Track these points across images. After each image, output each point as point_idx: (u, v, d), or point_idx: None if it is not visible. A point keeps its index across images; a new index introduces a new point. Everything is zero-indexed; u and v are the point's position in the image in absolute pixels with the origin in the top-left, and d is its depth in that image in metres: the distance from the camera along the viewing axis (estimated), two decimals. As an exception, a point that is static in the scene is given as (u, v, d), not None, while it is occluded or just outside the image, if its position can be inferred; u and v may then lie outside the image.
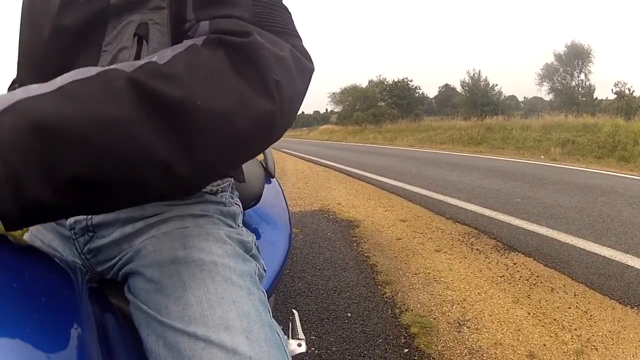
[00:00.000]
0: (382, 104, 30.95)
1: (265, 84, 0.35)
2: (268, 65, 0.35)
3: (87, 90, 0.30)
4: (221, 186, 0.54)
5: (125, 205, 0.34)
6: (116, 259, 0.47)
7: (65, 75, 0.31)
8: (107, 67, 0.32)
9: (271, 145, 1.07)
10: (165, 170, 0.31)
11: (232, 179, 0.57)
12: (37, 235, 0.53)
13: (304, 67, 0.40)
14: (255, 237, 0.55)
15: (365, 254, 2.50)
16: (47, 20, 0.44)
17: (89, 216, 0.47)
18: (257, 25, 0.37)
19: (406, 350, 1.48)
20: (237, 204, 0.57)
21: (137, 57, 0.43)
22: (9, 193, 0.27)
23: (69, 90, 0.30)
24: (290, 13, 0.42)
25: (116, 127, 0.29)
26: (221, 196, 0.54)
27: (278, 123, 0.36)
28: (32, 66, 0.49)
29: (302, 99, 0.41)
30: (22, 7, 0.50)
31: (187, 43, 0.35)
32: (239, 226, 0.54)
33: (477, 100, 25.81)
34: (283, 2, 0.43)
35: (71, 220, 0.48)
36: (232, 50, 0.35)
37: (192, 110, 0.31)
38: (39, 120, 0.28)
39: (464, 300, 1.86)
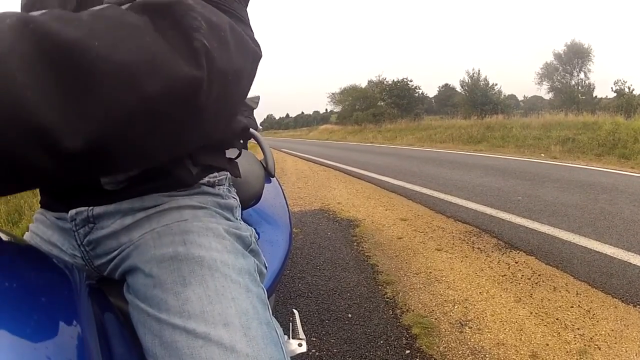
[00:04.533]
0: (382, 103, 30.92)
1: (190, 47, 0.29)
2: (196, 27, 0.30)
3: None
4: (217, 178, 0.54)
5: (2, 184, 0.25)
6: (115, 252, 0.47)
7: None
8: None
9: (270, 145, 1.06)
10: (45, 136, 0.23)
11: (228, 173, 0.57)
12: (36, 232, 0.53)
13: (246, 47, 0.35)
14: (254, 230, 0.55)
15: (366, 254, 2.49)
16: None
17: (90, 207, 0.47)
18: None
19: (408, 351, 1.47)
20: (234, 198, 0.57)
21: None
22: None
23: None
24: (245, 2, 0.40)
25: None
26: (219, 189, 0.54)
27: (203, 96, 0.30)
28: None
29: (243, 80, 0.35)
30: (21, 9, 0.50)
31: (105, 4, 0.30)
32: (237, 219, 0.54)
33: (476, 100, 25.78)
34: None
35: (72, 212, 0.48)
36: (155, 12, 0.29)
37: (87, 57, 0.24)
38: None
39: (466, 300, 1.85)
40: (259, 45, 0.38)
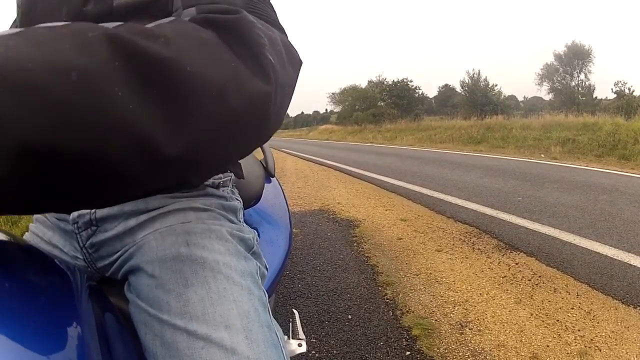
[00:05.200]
0: (382, 104, 30.97)
1: (260, 63, 0.31)
2: (262, 44, 0.31)
3: (52, 36, 0.23)
4: (222, 180, 0.54)
5: (85, 198, 0.26)
6: (118, 254, 0.47)
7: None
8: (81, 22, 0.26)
9: (270, 145, 1.06)
10: (145, 146, 0.25)
11: (232, 174, 0.57)
12: (36, 232, 0.53)
13: (294, 57, 0.37)
14: (256, 233, 0.54)
15: (366, 254, 2.49)
16: (53, 20, 0.44)
17: (93, 210, 0.47)
18: (247, 11, 0.34)
19: (408, 352, 1.46)
20: (237, 200, 0.57)
21: None
22: None
23: (33, 35, 0.23)
24: (277, 14, 0.41)
25: (84, 79, 0.22)
26: (223, 190, 0.54)
27: (272, 109, 0.32)
28: None
29: (293, 92, 0.37)
30: (21, 10, 0.49)
31: (170, 18, 0.32)
32: (240, 222, 0.54)
33: (476, 100, 25.83)
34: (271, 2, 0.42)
35: (74, 214, 0.48)
36: (222, 28, 0.31)
37: (181, 74, 0.26)
38: None
39: (466, 301, 1.85)
40: (297, 51, 0.39)
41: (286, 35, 0.39)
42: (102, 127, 0.23)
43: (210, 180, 0.52)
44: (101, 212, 0.47)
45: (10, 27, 0.55)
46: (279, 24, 0.40)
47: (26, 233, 0.55)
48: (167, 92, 0.25)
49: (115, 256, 0.47)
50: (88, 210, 0.47)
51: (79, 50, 0.23)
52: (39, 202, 0.25)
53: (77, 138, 0.22)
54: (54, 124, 0.22)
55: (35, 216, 0.55)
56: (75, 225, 0.48)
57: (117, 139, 0.24)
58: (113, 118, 0.23)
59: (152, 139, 0.25)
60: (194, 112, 0.27)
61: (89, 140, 0.23)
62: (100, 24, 0.26)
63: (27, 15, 0.48)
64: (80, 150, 0.23)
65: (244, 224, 0.55)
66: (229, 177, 0.56)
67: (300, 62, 0.39)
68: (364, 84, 34.59)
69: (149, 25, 0.28)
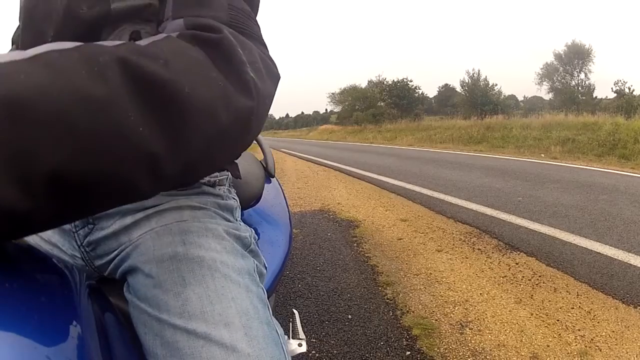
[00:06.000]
0: (382, 104, 30.96)
1: (243, 81, 0.34)
2: (243, 62, 0.34)
3: (68, 63, 0.25)
4: (218, 178, 0.54)
5: (104, 208, 0.29)
6: (115, 252, 0.47)
7: (37, 47, 0.26)
8: (86, 43, 0.28)
9: (270, 145, 1.06)
10: (152, 165, 0.27)
11: (229, 173, 0.57)
12: None
13: (271, 72, 0.40)
14: (254, 231, 0.54)
15: (366, 255, 2.49)
16: (50, 27, 0.45)
17: None
18: (230, 26, 0.37)
19: (408, 352, 1.46)
20: (234, 199, 0.57)
21: None
22: None
23: (48, 60, 0.24)
24: (259, 27, 0.43)
25: (102, 107, 0.24)
26: (219, 189, 0.54)
27: (253, 122, 0.35)
28: None
29: (271, 103, 0.40)
30: (23, 11, 0.50)
31: (161, 35, 0.34)
32: (236, 220, 0.54)
33: (476, 100, 25.82)
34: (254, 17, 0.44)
35: None
36: (207, 45, 0.33)
37: (181, 96, 0.28)
38: (10, 93, 0.22)
39: (466, 301, 1.85)
40: (275, 65, 0.41)
41: (267, 49, 0.42)
42: (120, 150, 0.25)
43: (206, 179, 0.52)
44: None
45: (15, 33, 0.56)
46: (261, 38, 0.42)
47: None
48: (169, 113, 0.28)
49: (112, 255, 0.48)
50: None
51: (95, 77, 0.25)
52: (56, 221, 0.27)
53: (99, 161, 0.25)
54: (80, 151, 0.24)
55: None
56: (73, 223, 0.48)
57: (131, 160, 0.26)
58: (128, 141, 0.26)
59: (158, 157, 0.27)
60: (191, 131, 0.29)
61: (109, 163, 0.25)
62: (104, 43, 0.28)
63: (29, 15, 0.48)
64: (101, 172, 0.25)
65: (241, 223, 0.55)
66: (225, 176, 0.56)
67: (278, 76, 0.41)
68: (363, 84, 34.65)
69: (145, 43, 0.30)
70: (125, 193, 0.28)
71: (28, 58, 0.24)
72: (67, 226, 0.49)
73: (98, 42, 0.29)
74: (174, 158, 0.29)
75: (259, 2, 0.47)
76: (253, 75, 0.34)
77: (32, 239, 0.53)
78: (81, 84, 0.24)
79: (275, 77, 0.40)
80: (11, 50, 0.56)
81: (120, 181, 0.26)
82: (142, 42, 0.31)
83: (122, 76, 0.26)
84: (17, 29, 0.54)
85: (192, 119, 0.29)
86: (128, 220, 0.47)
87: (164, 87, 0.28)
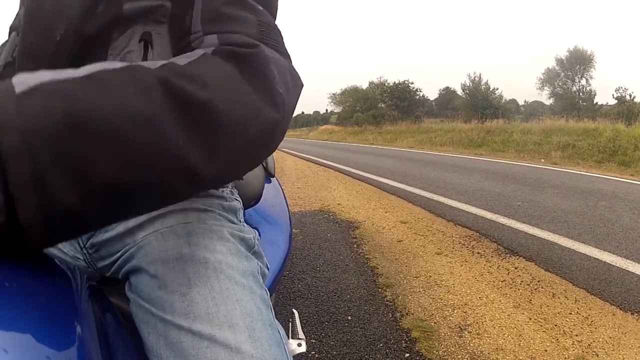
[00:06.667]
0: (383, 105, 30.95)
1: (272, 95, 0.36)
2: (274, 78, 0.36)
3: (118, 82, 0.28)
4: None
5: (143, 212, 0.32)
6: (119, 254, 0.47)
7: (86, 66, 0.28)
8: (132, 64, 0.31)
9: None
10: (190, 174, 0.30)
11: None
12: None
13: (297, 83, 0.42)
14: (257, 233, 0.55)
15: (366, 256, 2.49)
16: (61, 24, 0.45)
17: None
18: (260, 41, 0.39)
19: (407, 354, 1.47)
20: (237, 200, 0.57)
21: (144, 59, 0.45)
22: (34, 197, 0.23)
23: (100, 79, 0.27)
24: (282, 35, 0.45)
25: (149, 124, 0.27)
26: (222, 191, 0.54)
27: (278, 134, 0.38)
28: (37, 65, 0.48)
29: (293, 113, 0.43)
30: (27, 9, 0.49)
31: (198, 52, 0.36)
32: (240, 222, 0.54)
33: (477, 104, 25.84)
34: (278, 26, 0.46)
35: None
36: (242, 62, 0.36)
37: (216, 113, 0.31)
38: (72, 108, 0.24)
39: (465, 304, 1.86)
40: (299, 75, 0.43)
41: (290, 61, 0.43)
42: (163, 162, 0.28)
43: None
44: None
45: (15, 19, 0.55)
46: (286, 50, 0.43)
47: None
48: (206, 129, 0.31)
49: (116, 256, 0.48)
50: None
51: (142, 97, 0.28)
52: (104, 222, 0.29)
53: (146, 172, 0.28)
54: (130, 163, 0.26)
55: None
56: None
57: (172, 170, 0.29)
58: (170, 154, 0.28)
59: (197, 170, 0.30)
60: (223, 143, 0.32)
61: (155, 173, 0.28)
62: (148, 64, 0.31)
63: (33, 15, 0.48)
64: (147, 181, 0.28)
65: (244, 224, 0.55)
66: None
67: (302, 85, 0.43)
68: (364, 85, 34.68)
69: (184, 63, 0.33)
70: (166, 198, 0.31)
71: (83, 77, 0.27)
72: None
73: (143, 63, 0.31)
74: (208, 167, 0.31)
75: (277, 9, 0.48)
76: (282, 90, 0.37)
77: None
78: (130, 103, 0.27)
79: (299, 88, 0.42)
80: (10, 36, 0.55)
81: (162, 188, 0.30)
82: (181, 61, 0.33)
83: (165, 96, 0.29)
84: (17, 15, 0.53)
85: (224, 133, 0.32)
86: (132, 222, 0.47)
87: (200, 106, 0.30)
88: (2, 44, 0.58)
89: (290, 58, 0.43)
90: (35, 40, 0.48)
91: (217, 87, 0.32)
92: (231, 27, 0.39)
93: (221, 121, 0.32)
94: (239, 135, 0.33)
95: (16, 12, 0.55)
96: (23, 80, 0.25)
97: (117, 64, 0.29)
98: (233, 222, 0.52)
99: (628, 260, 2.28)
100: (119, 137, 0.26)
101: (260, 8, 0.43)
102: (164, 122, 0.28)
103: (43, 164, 0.23)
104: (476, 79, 27.88)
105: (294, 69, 0.42)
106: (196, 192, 0.35)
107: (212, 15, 0.41)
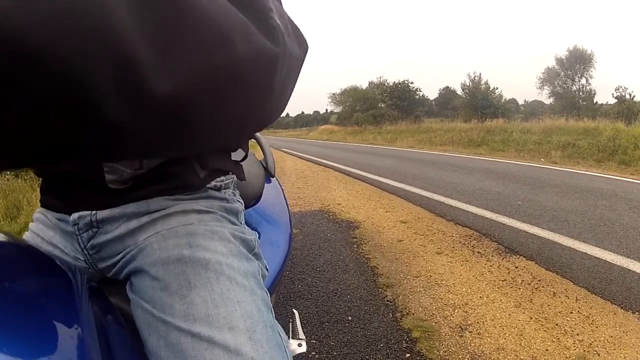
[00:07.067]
0: (382, 105, 30.97)
1: (268, 25, 0.30)
2: (269, 9, 0.31)
3: None
4: (224, 182, 0.54)
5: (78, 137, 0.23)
6: (120, 255, 0.47)
7: None
8: None
9: (269, 145, 1.05)
10: (131, 71, 0.22)
11: (235, 176, 0.57)
12: (37, 232, 0.53)
13: (299, 34, 0.36)
14: (257, 235, 0.54)
15: (366, 256, 2.49)
16: None
17: (94, 211, 0.47)
18: None
19: (408, 355, 1.47)
20: (239, 202, 0.57)
21: None
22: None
23: None
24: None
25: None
26: (224, 192, 0.54)
27: (278, 74, 0.30)
28: None
29: (299, 72, 0.36)
30: None
31: None
32: (241, 224, 0.54)
33: (477, 103, 25.84)
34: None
35: (75, 216, 0.47)
36: None
37: (188, 4, 0.24)
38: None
39: (466, 304, 1.85)
40: (304, 35, 0.38)
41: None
42: (89, 34, 0.20)
43: (212, 183, 0.52)
44: (102, 214, 0.47)
45: None
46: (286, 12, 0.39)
47: (26, 233, 0.55)
48: (166, 17, 0.23)
49: (117, 258, 0.47)
50: (89, 212, 0.47)
51: None
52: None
53: (61, 38, 0.20)
54: (49, 23, 0.19)
55: (35, 215, 0.54)
56: (76, 226, 0.48)
57: (100, 52, 0.21)
58: (101, 31, 0.20)
59: (138, 65, 0.22)
60: (193, 47, 0.24)
61: (73, 44, 0.20)
62: None
63: None
64: (62, 50, 0.20)
65: (245, 226, 0.55)
66: (231, 179, 0.56)
67: (307, 45, 0.38)
68: (364, 85, 34.73)
69: None
70: (93, 103, 0.22)
71: None
72: (69, 229, 0.48)
73: None
74: (164, 72, 0.23)
75: None
76: (280, 25, 0.31)
77: (33, 240, 0.52)
78: None
79: (303, 44, 0.37)
80: None
81: (85, 84, 0.21)
82: None
83: None
84: None
85: (196, 33, 0.24)
86: (133, 224, 0.47)
87: None
88: None
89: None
90: None
91: None
92: None
93: (192, 12, 0.24)
94: (219, 45, 0.25)
95: None
96: None
97: None
98: (234, 224, 0.51)
99: (629, 259, 2.28)
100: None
101: None
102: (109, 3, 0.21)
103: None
104: (476, 78, 27.90)
105: (298, 27, 0.37)
106: (144, 111, 0.23)
107: None
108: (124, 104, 0.22)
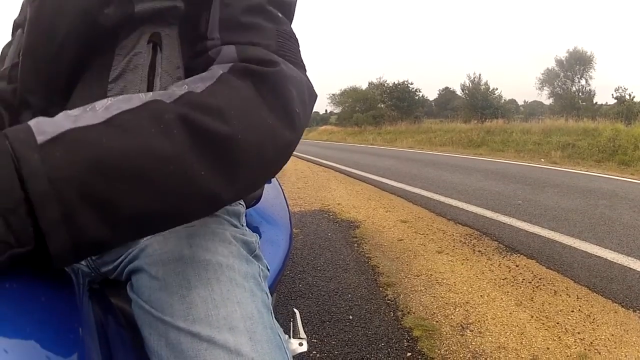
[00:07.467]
0: (382, 105, 30.96)
1: (289, 116, 0.37)
2: (292, 97, 0.37)
3: (138, 123, 0.30)
4: None
5: (166, 229, 0.35)
6: (121, 257, 0.47)
7: (105, 102, 0.31)
8: (148, 98, 0.32)
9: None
10: (214, 199, 0.33)
11: None
12: None
13: (312, 95, 0.43)
14: (258, 237, 0.54)
15: (367, 255, 2.49)
16: (63, 25, 0.44)
17: None
18: (279, 55, 0.39)
19: (409, 354, 1.47)
20: (240, 204, 0.57)
21: (152, 62, 0.44)
22: (64, 234, 0.26)
23: (121, 123, 0.29)
24: (299, 44, 0.44)
25: (173, 162, 0.30)
26: None
27: (292, 151, 0.40)
28: (37, 61, 0.48)
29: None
30: (32, 7, 0.48)
31: (215, 72, 0.36)
32: (242, 226, 0.54)
33: (477, 104, 25.85)
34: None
35: None
36: (260, 82, 0.36)
37: (235, 144, 0.33)
38: (97, 156, 0.27)
39: (467, 302, 1.85)
40: (313, 86, 0.44)
41: (306, 71, 0.44)
42: (187, 194, 0.31)
43: None
44: None
45: (14, 27, 0.55)
46: (302, 61, 0.44)
47: None
48: (227, 160, 0.33)
49: (118, 261, 0.47)
50: None
51: (162, 135, 0.30)
52: (120, 244, 0.32)
53: (170, 204, 0.31)
54: (154, 198, 0.29)
55: None
56: None
57: (196, 199, 0.32)
58: (195, 186, 0.31)
59: (218, 195, 0.33)
60: (243, 169, 0.34)
61: (179, 206, 0.31)
62: (164, 98, 0.32)
63: (37, 14, 0.47)
64: (170, 210, 0.31)
65: (246, 228, 0.55)
66: None
67: (316, 96, 0.44)
68: (364, 86, 34.66)
69: (200, 90, 0.34)
70: (188, 219, 0.35)
71: (104, 122, 0.29)
72: None
73: (160, 95, 0.33)
74: (229, 190, 0.34)
75: (294, 13, 0.47)
76: (299, 110, 0.38)
77: None
78: (153, 144, 0.29)
79: (314, 100, 0.44)
80: (16, 34, 0.54)
81: (186, 213, 0.33)
82: (198, 88, 0.34)
83: (186, 134, 0.31)
84: (21, 10, 0.53)
85: (244, 160, 0.34)
86: None
87: (221, 141, 0.33)
88: (8, 43, 0.57)
89: (305, 69, 0.43)
90: (36, 40, 0.47)
91: (236, 117, 0.34)
92: (250, 38, 0.39)
93: (241, 150, 0.34)
94: (257, 159, 0.35)
95: (20, 5, 0.54)
96: (43, 129, 0.27)
97: (135, 101, 0.31)
98: (235, 226, 0.52)
99: (629, 258, 2.28)
100: (144, 176, 0.29)
101: (280, 15, 0.42)
102: (187, 159, 0.30)
103: (71, 205, 0.26)
104: (476, 79, 27.91)
105: (309, 80, 0.43)
106: (216, 211, 0.38)
107: (231, 23, 0.40)
108: (206, 213, 0.37)
